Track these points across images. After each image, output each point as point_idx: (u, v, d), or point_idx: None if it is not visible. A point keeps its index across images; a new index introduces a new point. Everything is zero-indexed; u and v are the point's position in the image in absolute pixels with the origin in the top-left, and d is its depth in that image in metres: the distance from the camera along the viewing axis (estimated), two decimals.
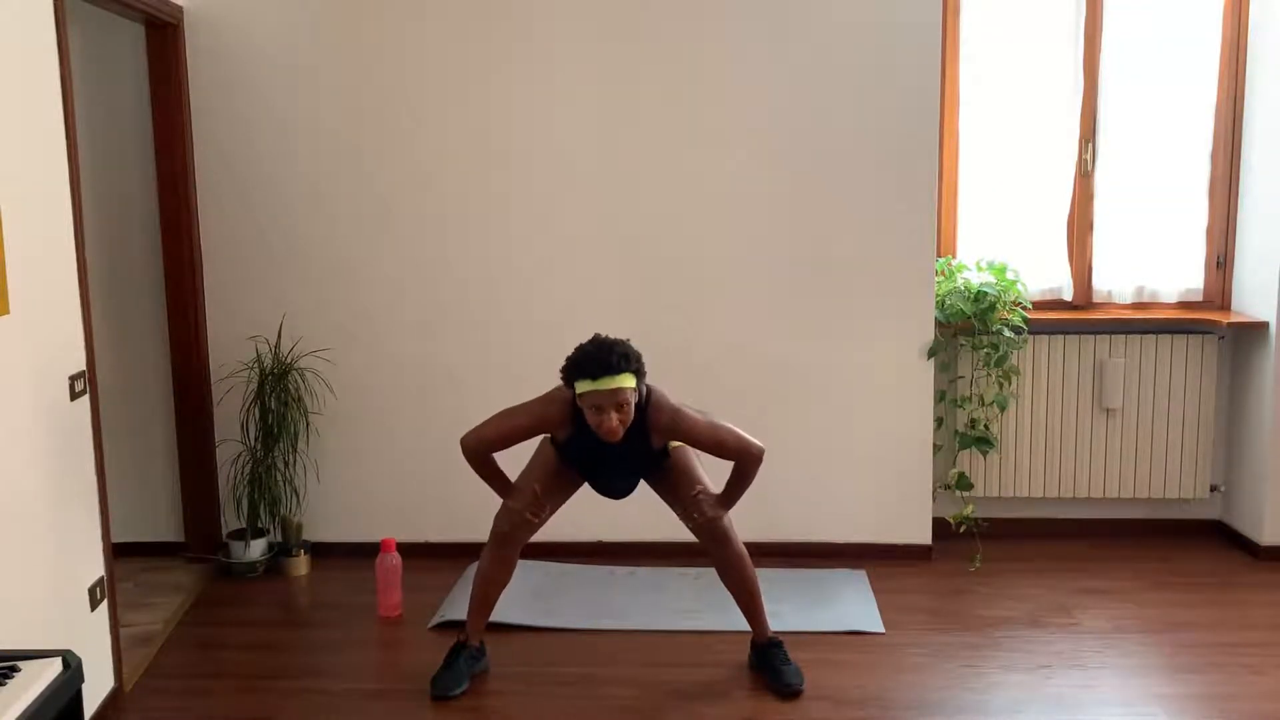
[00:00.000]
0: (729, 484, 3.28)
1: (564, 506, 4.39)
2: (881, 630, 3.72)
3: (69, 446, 3.09)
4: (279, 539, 4.36)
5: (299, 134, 4.26)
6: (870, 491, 4.37)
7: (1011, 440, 4.51)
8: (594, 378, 3.02)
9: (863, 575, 4.17)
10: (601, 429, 3.07)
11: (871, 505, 4.38)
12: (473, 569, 4.19)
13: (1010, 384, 4.38)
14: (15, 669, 2.09)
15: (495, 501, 4.39)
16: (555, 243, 4.30)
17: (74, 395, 3.09)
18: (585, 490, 4.33)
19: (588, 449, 3.24)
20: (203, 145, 4.26)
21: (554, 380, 4.28)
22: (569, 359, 3.12)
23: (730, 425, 3.22)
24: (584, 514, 4.36)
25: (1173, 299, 4.55)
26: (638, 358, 3.10)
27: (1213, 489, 4.55)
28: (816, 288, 4.27)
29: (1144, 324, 4.48)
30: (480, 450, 3.28)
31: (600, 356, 3.03)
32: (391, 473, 4.43)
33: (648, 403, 3.16)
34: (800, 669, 3.35)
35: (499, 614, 3.81)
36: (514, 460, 3.42)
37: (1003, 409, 4.40)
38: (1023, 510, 4.61)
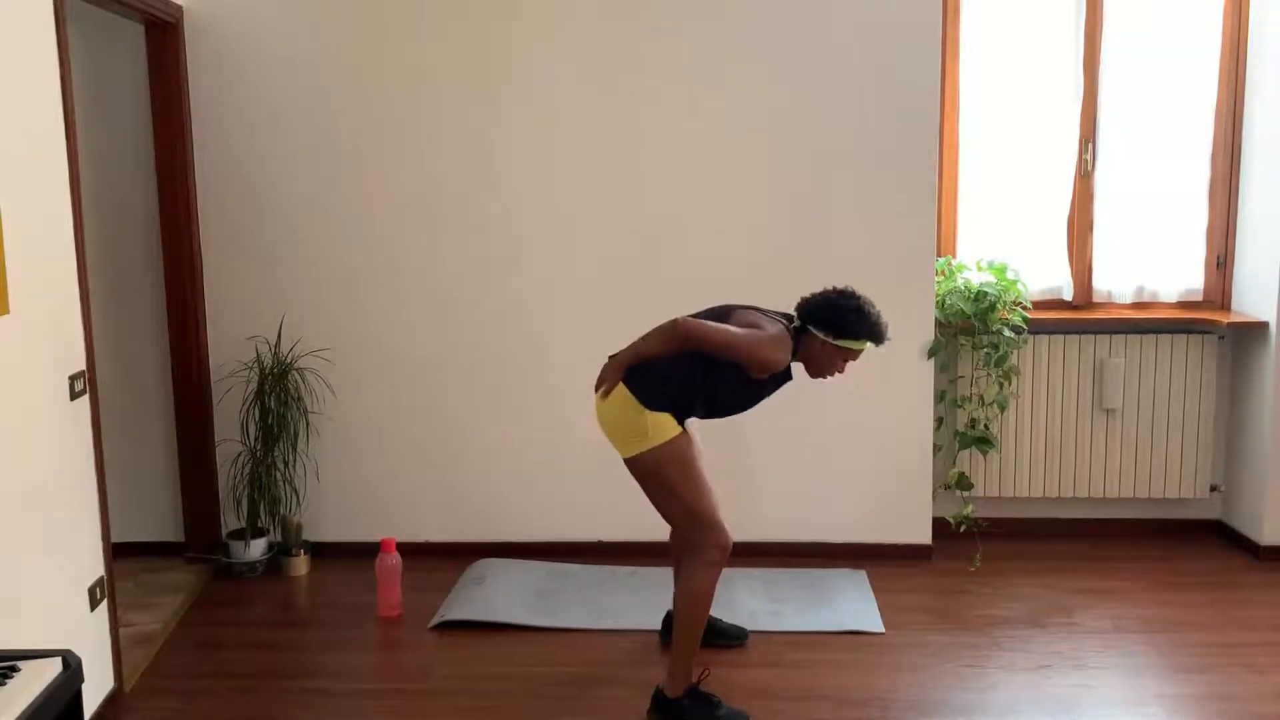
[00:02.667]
0: None
1: (563, 506, 4.42)
2: (881, 630, 3.72)
3: (69, 446, 3.09)
4: (279, 539, 4.36)
5: (299, 134, 4.26)
6: (870, 491, 4.37)
7: (1011, 440, 4.51)
8: (876, 343, 3.12)
9: (863, 575, 4.17)
10: (831, 375, 3.18)
11: (871, 505, 4.38)
12: (473, 569, 4.21)
13: (1010, 384, 4.38)
14: (15, 669, 2.09)
15: (493, 503, 4.41)
16: (555, 244, 4.29)
17: (74, 395, 3.09)
18: (585, 490, 4.35)
19: (761, 385, 3.17)
20: (203, 145, 4.26)
21: (564, 384, 4.29)
22: (853, 313, 3.09)
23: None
24: (584, 514, 4.38)
25: (1173, 299, 4.55)
26: None
27: (1213, 489, 4.55)
28: (816, 287, 4.25)
29: (1144, 324, 4.48)
30: (688, 343, 3.03)
31: (883, 326, 3.13)
32: (391, 473, 4.43)
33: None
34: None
35: (499, 614, 3.81)
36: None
37: (1003, 409, 4.40)
38: (1023, 510, 4.61)
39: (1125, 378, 4.46)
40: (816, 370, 3.20)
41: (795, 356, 3.15)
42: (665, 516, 3.22)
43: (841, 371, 3.20)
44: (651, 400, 3.06)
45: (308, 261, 4.32)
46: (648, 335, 3.11)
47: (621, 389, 3.09)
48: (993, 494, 4.54)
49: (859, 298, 3.15)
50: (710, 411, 3.21)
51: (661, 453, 3.06)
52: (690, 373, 3.08)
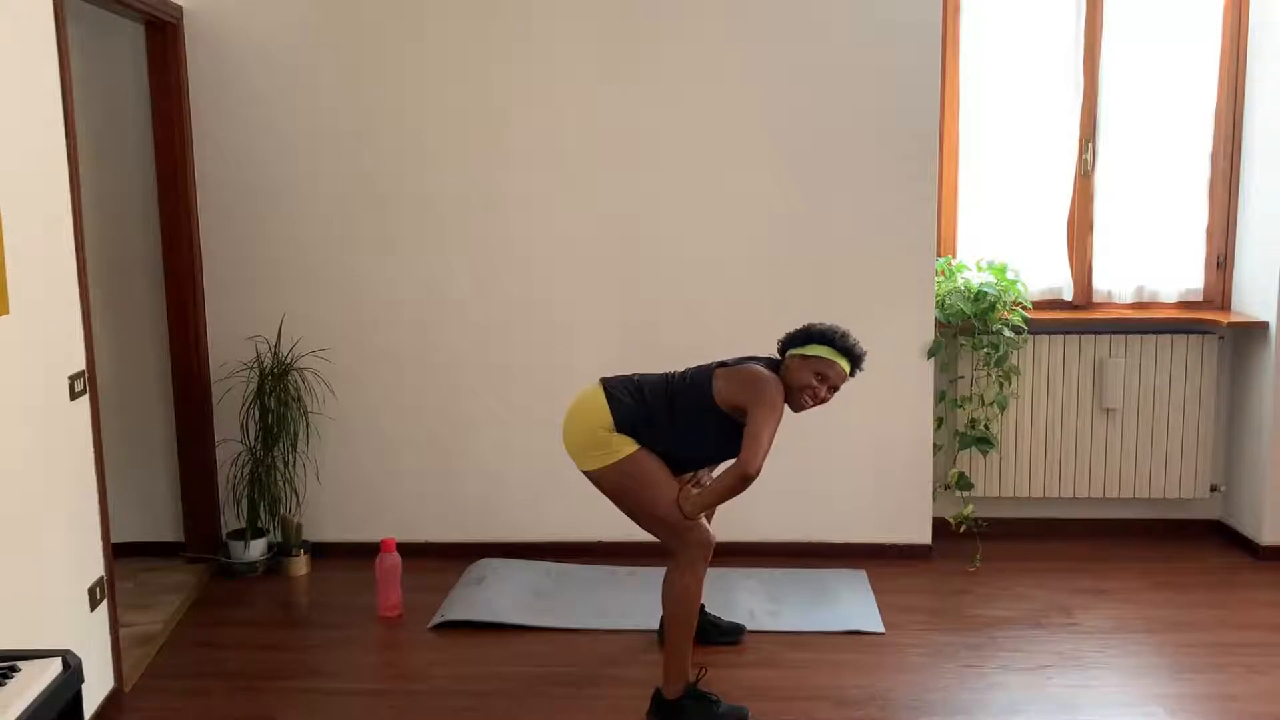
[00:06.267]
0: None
1: (563, 506, 4.42)
2: (881, 630, 3.72)
3: (69, 446, 3.09)
4: (279, 539, 4.36)
5: (299, 134, 4.26)
6: (870, 491, 4.37)
7: (1011, 440, 4.51)
8: (840, 350, 3.15)
9: (863, 575, 4.17)
10: (806, 396, 3.13)
11: (871, 505, 4.38)
12: (473, 569, 4.21)
13: (1010, 384, 4.39)
14: (15, 669, 2.09)
15: (493, 503, 4.41)
16: (555, 243, 4.30)
17: (74, 395, 3.09)
18: (585, 490, 4.34)
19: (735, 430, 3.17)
20: (203, 145, 4.26)
21: (564, 383, 4.28)
22: (820, 327, 3.17)
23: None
24: (584, 514, 4.38)
25: (1173, 299, 4.55)
26: None
27: (1213, 489, 4.55)
28: (816, 287, 4.27)
29: (1144, 324, 4.48)
30: (757, 473, 3.05)
31: (852, 341, 3.18)
32: (391, 473, 4.43)
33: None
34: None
35: (499, 614, 3.81)
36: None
37: (1003, 409, 4.40)
38: (1023, 510, 4.61)
39: (1125, 378, 4.46)
40: (793, 392, 3.14)
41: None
42: (643, 527, 3.23)
43: (815, 395, 3.13)
44: (624, 426, 3.13)
45: (308, 261, 4.32)
46: (723, 490, 3.07)
47: (602, 402, 3.14)
48: (993, 494, 4.54)
49: (830, 327, 3.21)
50: (680, 463, 3.22)
51: (622, 467, 3.13)
52: (673, 423, 3.15)
